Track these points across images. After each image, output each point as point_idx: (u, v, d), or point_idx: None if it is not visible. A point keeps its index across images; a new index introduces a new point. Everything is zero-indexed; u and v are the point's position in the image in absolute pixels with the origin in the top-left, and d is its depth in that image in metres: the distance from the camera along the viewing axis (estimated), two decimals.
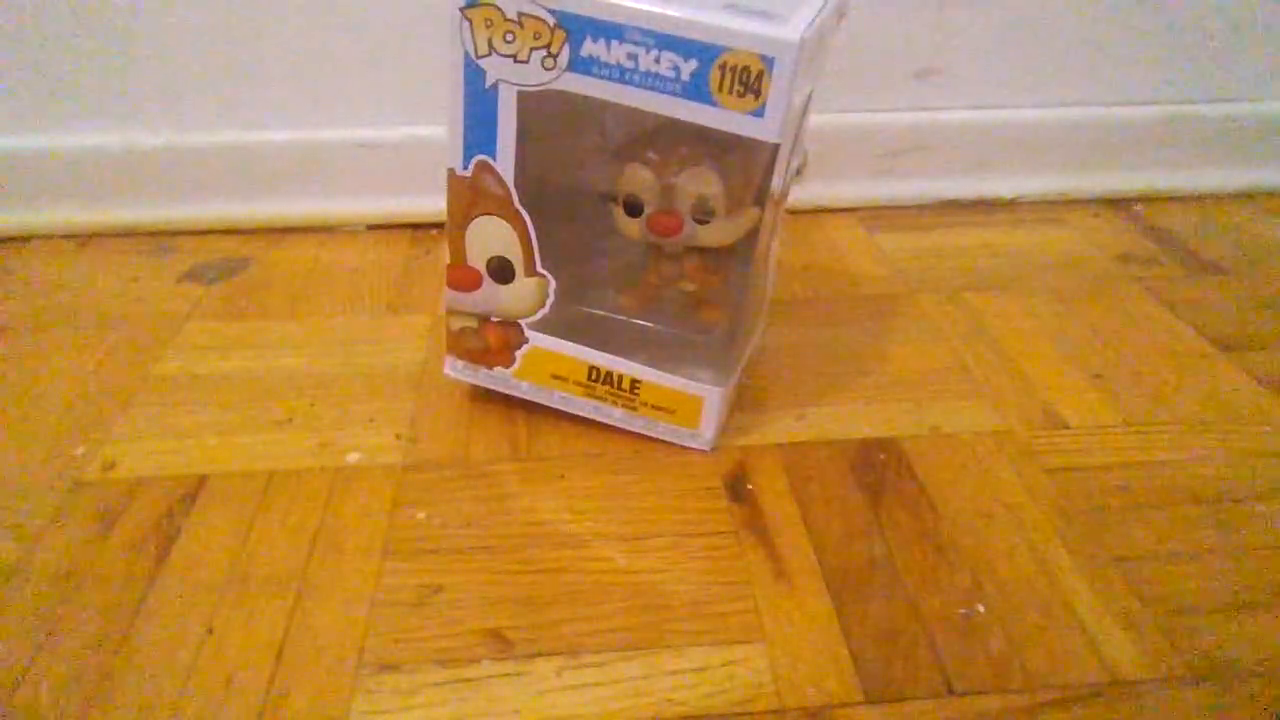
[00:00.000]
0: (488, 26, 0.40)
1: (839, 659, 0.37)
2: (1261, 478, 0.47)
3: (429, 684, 0.36)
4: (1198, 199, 0.78)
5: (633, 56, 0.38)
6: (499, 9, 0.39)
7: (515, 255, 0.46)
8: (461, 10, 0.40)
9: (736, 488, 0.46)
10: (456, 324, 0.49)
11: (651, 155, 0.44)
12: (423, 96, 0.68)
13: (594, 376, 0.48)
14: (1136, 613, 0.39)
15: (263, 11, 0.65)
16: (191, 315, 0.60)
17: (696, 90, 0.38)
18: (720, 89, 0.38)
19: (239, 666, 0.37)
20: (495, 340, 0.49)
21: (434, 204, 0.71)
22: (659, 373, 0.47)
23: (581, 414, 0.50)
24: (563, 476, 0.47)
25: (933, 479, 0.47)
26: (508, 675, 0.37)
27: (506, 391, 0.50)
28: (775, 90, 0.37)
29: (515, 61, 0.40)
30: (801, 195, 0.74)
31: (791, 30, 0.37)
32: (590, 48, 0.39)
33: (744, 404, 0.52)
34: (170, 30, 0.65)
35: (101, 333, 0.58)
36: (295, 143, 0.69)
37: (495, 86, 0.41)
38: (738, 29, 0.37)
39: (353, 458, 0.48)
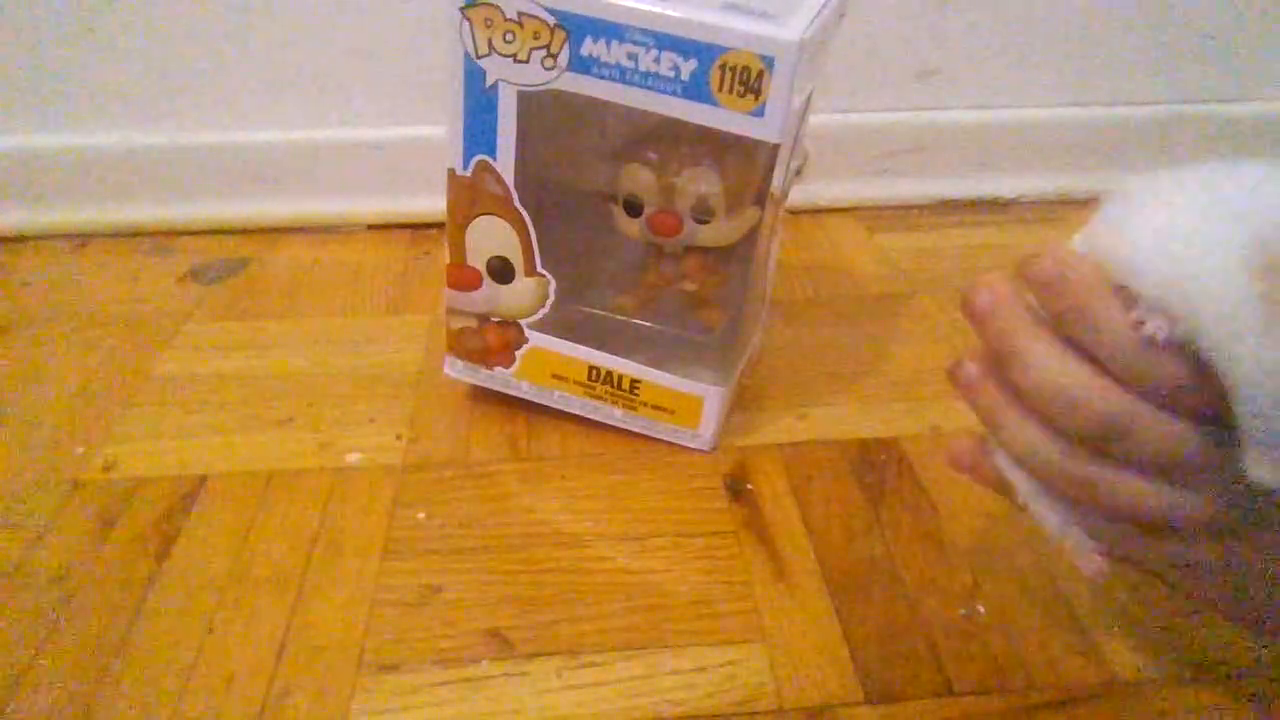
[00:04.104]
0: (488, 26, 0.40)
1: (839, 659, 0.37)
2: None
3: (429, 684, 0.36)
4: None
5: (633, 56, 0.38)
6: (499, 9, 0.39)
7: (515, 255, 0.46)
8: (461, 10, 0.40)
9: (736, 488, 0.46)
10: (456, 324, 0.49)
11: (651, 155, 0.44)
12: (423, 96, 0.68)
13: (594, 376, 0.48)
14: (1136, 613, 0.39)
15: (263, 11, 0.65)
16: (191, 315, 0.60)
17: (696, 90, 0.38)
18: (720, 89, 0.38)
19: (239, 666, 0.37)
20: (495, 340, 0.49)
21: (434, 204, 0.70)
22: (659, 373, 0.47)
23: (581, 414, 0.50)
24: (563, 476, 0.47)
25: (933, 479, 0.47)
26: (508, 675, 0.37)
27: (506, 391, 0.50)
28: (775, 90, 0.37)
29: (515, 61, 0.40)
30: (801, 195, 0.74)
31: (791, 30, 0.37)
32: (590, 48, 0.39)
33: (744, 404, 0.52)
34: (170, 30, 0.65)
35: (101, 333, 0.58)
36: (295, 143, 0.69)
37: (495, 86, 0.41)
38: (737, 29, 0.37)
39: (353, 458, 0.48)
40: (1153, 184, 0.27)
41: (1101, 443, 0.26)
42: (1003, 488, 0.32)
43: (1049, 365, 0.26)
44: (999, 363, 0.28)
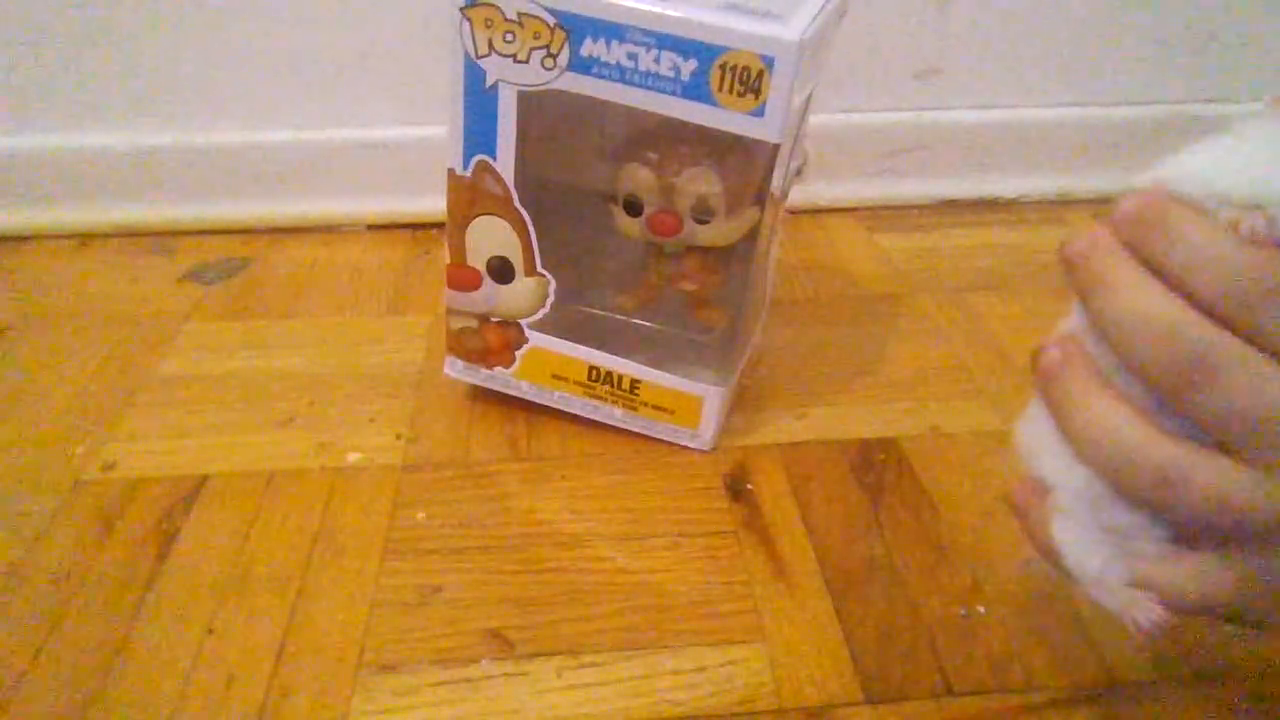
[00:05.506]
0: (488, 26, 0.40)
1: (839, 659, 0.37)
2: None
3: (429, 684, 0.36)
4: None
5: (633, 56, 0.38)
6: (499, 9, 0.39)
7: (515, 255, 0.46)
8: (461, 10, 0.40)
9: (736, 487, 0.46)
10: (456, 324, 0.49)
11: (651, 155, 0.44)
12: (423, 96, 0.68)
13: (594, 376, 0.48)
14: None
15: (263, 12, 0.65)
16: (191, 315, 0.60)
17: (696, 90, 0.38)
18: (720, 89, 0.38)
19: (239, 666, 0.37)
20: (495, 340, 0.49)
21: (434, 204, 0.70)
22: (659, 373, 0.47)
23: (581, 414, 0.50)
24: (563, 476, 0.47)
25: (933, 479, 0.47)
26: (508, 675, 0.37)
27: (506, 391, 0.50)
28: (775, 90, 0.37)
29: (515, 61, 0.40)
30: (801, 195, 0.74)
31: (791, 30, 0.37)
32: (590, 48, 0.39)
33: (744, 404, 0.52)
34: (171, 30, 0.65)
35: (101, 333, 0.58)
36: (295, 143, 0.69)
37: (495, 86, 0.41)
38: (738, 29, 0.37)
39: (353, 458, 0.48)
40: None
41: (1187, 387, 0.25)
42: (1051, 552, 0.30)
43: (1139, 293, 0.25)
44: (1086, 299, 0.27)
